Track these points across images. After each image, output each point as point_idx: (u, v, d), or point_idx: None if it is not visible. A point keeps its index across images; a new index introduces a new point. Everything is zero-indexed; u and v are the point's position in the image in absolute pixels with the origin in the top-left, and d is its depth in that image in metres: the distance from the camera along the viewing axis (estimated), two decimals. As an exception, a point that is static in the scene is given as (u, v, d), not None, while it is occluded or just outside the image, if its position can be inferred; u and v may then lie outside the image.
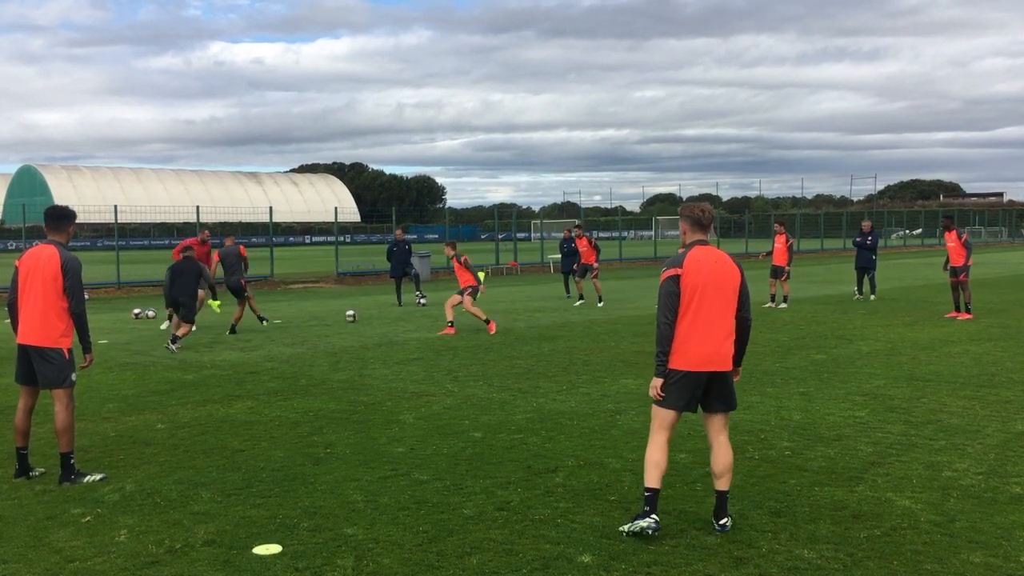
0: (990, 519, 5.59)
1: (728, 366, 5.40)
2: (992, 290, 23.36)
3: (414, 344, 14.34)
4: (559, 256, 26.55)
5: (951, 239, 17.33)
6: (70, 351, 6.79)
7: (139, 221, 76.24)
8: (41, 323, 6.69)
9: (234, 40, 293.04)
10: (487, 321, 15.46)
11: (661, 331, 5.34)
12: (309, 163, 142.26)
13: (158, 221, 77.19)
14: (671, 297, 5.31)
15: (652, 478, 5.36)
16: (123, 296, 27.19)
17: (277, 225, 32.03)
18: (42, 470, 6.96)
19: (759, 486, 6.33)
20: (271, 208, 36.89)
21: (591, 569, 4.88)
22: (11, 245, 53.58)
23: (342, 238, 39.16)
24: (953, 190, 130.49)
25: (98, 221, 75.57)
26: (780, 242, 20.12)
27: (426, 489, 6.36)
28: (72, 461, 6.73)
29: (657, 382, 5.38)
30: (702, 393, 5.40)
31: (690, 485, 6.36)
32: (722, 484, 5.41)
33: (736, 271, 5.42)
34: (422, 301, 21.92)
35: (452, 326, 15.50)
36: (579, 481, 6.52)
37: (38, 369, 6.74)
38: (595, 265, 21.49)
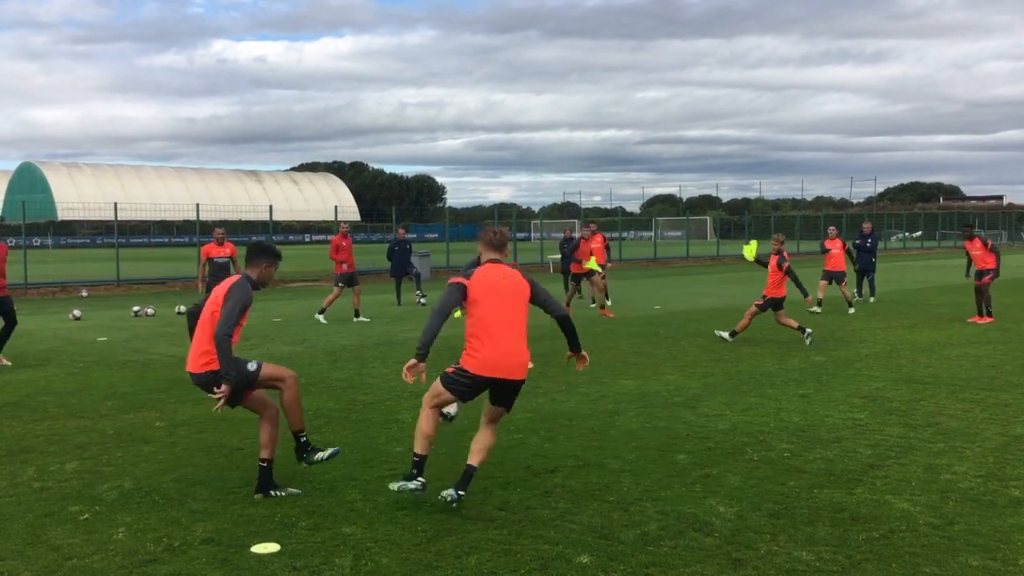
0: (989, 522, 5.59)
1: (518, 375, 5.83)
2: (991, 293, 23.31)
3: (414, 343, 14.29)
4: (559, 256, 26.54)
5: (975, 247, 17.10)
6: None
7: (139, 219, 76.23)
8: (196, 350, 6.23)
9: (237, 38, 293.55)
10: None
11: (429, 324, 5.83)
12: (309, 161, 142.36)
13: (158, 219, 77.22)
14: (449, 297, 5.85)
15: (421, 446, 5.88)
16: (123, 293, 27.20)
17: (277, 223, 31.90)
18: (296, 491, 6.28)
19: (758, 487, 6.33)
20: (271, 207, 36.87)
21: (589, 570, 4.88)
22: (11, 242, 53.64)
23: (342, 237, 39.10)
24: (953, 193, 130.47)
25: (98, 219, 75.71)
26: (838, 246, 20.03)
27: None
28: (303, 438, 6.49)
29: (411, 362, 5.86)
30: (488, 391, 5.94)
31: (689, 486, 6.36)
32: (474, 459, 5.82)
33: (525, 286, 5.92)
34: (422, 301, 21.94)
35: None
36: (578, 481, 6.52)
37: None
38: (607, 265, 20.67)
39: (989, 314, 16.86)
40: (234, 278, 6.37)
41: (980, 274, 16.85)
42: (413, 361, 5.81)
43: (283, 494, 6.18)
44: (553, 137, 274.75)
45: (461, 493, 5.74)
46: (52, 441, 7.91)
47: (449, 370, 5.95)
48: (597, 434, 8.01)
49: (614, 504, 5.99)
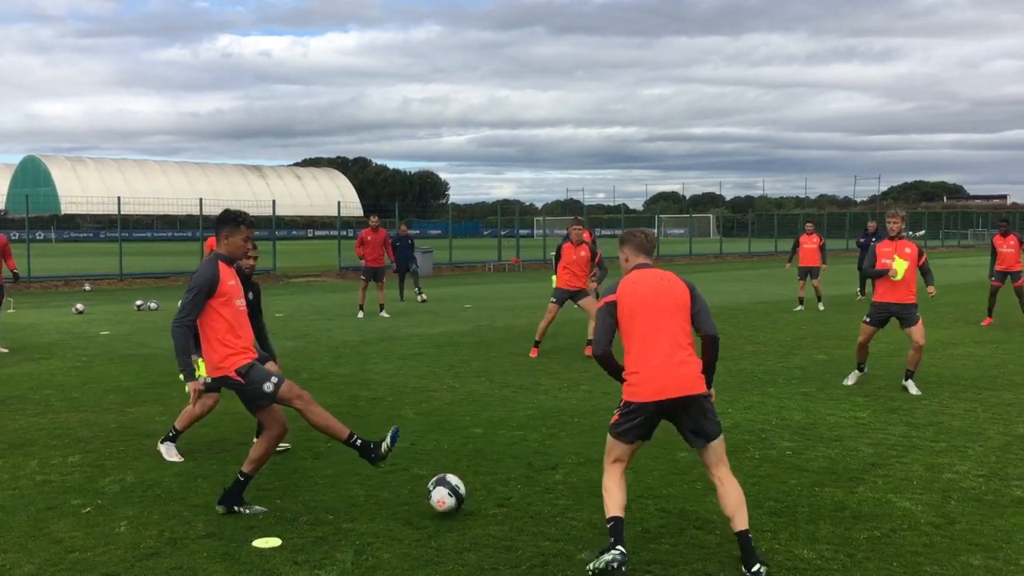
0: (990, 522, 5.58)
1: (692, 390, 4.89)
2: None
3: (416, 339, 14.34)
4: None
5: (1008, 244, 16.22)
6: (240, 372, 5.60)
7: (142, 213, 76.20)
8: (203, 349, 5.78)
9: (242, 33, 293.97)
10: None
11: (600, 363, 5.10)
12: (313, 157, 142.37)
13: (161, 213, 77.19)
14: (604, 325, 5.08)
15: (610, 506, 4.90)
16: (125, 287, 27.22)
17: (280, 219, 31.95)
18: (261, 509, 5.83)
19: (759, 486, 6.33)
20: (274, 201, 36.86)
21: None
22: (14, 235, 53.74)
23: (345, 232, 39.14)
24: (957, 192, 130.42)
25: (101, 212, 75.74)
26: (813, 242, 19.70)
27: (426, 484, 6.35)
28: (358, 442, 5.70)
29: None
30: (670, 422, 5.02)
31: (690, 484, 6.36)
32: (739, 523, 4.76)
33: (684, 289, 5.08)
34: (423, 298, 21.96)
35: None
36: (579, 478, 6.52)
37: None
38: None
39: None
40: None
41: (1002, 276, 16.17)
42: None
43: (247, 512, 5.73)
44: (557, 134, 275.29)
45: (756, 569, 4.64)
46: (55, 435, 7.93)
47: (614, 418, 5.07)
48: (599, 431, 8.00)
49: (615, 501, 5.98)
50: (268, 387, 5.60)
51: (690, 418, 4.92)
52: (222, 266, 5.67)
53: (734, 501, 4.82)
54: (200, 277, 5.57)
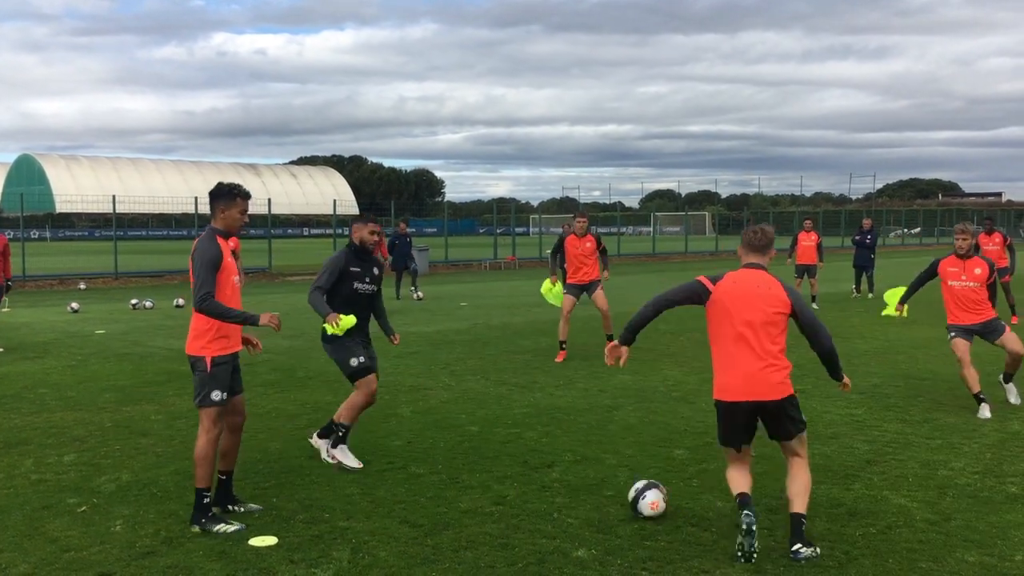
0: (985, 518, 5.60)
1: (777, 395, 5.07)
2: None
3: (412, 338, 14.33)
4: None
5: (993, 241, 16.20)
6: (216, 362, 5.49)
7: (137, 212, 76.09)
8: (191, 325, 5.59)
9: (238, 31, 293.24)
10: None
11: (641, 309, 5.41)
12: (309, 155, 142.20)
13: (156, 212, 77.12)
14: (681, 292, 5.30)
15: (736, 486, 5.10)
16: (121, 286, 27.18)
17: (275, 217, 31.91)
18: (256, 506, 5.86)
19: (755, 483, 6.31)
20: (269, 200, 36.82)
21: (587, 564, 4.88)
22: (9, 234, 53.69)
23: (340, 231, 39.11)
24: (951, 189, 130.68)
25: (96, 211, 75.68)
26: (811, 240, 19.54)
27: (422, 483, 6.36)
28: (205, 500, 5.49)
29: (611, 344, 5.53)
30: (756, 422, 5.17)
31: (686, 481, 6.36)
32: (798, 506, 5.02)
33: (783, 297, 5.12)
34: (419, 295, 21.98)
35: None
36: (575, 476, 6.52)
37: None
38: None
39: (1014, 313, 16.33)
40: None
41: (999, 273, 16.44)
42: (613, 343, 5.48)
43: (242, 510, 5.72)
44: (553, 132, 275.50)
45: (796, 548, 4.92)
46: (50, 433, 7.91)
47: (718, 429, 5.25)
48: (595, 429, 8.02)
49: (611, 499, 5.99)
50: (215, 396, 5.47)
51: (775, 420, 5.13)
52: (220, 240, 5.59)
53: (800, 486, 5.08)
54: (206, 252, 5.43)
